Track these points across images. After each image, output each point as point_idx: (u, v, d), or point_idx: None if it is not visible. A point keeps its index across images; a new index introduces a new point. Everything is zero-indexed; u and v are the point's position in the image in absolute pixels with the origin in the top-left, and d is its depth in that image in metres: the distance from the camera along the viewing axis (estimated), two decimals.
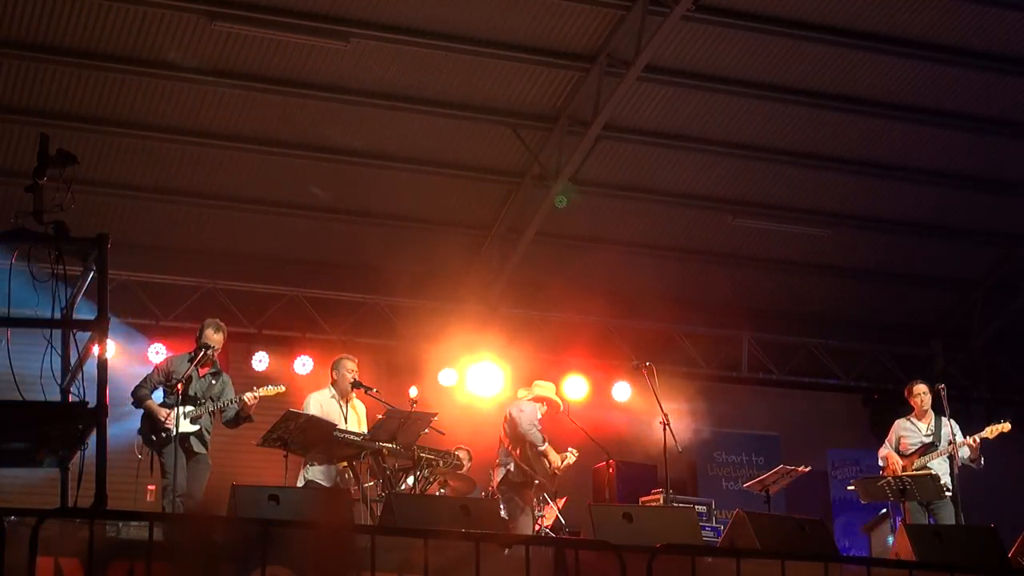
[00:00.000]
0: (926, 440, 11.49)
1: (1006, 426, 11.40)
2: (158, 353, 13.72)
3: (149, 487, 10.72)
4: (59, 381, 6.78)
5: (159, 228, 14.60)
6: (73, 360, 6.76)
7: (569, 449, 11.45)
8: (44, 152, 6.71)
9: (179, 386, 10.21)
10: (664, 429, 11.18)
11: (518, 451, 11.18)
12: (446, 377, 15.27)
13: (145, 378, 10.59)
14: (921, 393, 11.63)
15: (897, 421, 11.92)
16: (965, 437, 11.33)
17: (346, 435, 10.34)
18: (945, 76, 14.37)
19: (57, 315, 6.61)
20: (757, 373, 16.90)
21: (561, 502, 12.24)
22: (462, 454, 12.37)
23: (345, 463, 10.53)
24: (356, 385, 10.87)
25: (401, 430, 10.44)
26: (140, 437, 10.35)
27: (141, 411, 10.38)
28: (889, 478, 11.13)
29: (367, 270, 15.37)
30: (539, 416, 11.31)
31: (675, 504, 11.92)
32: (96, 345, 6.49)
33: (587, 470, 13.63)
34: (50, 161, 6.69)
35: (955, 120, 14.97)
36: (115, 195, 14.16)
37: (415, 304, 15.52)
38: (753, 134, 14.85)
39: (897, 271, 17.05)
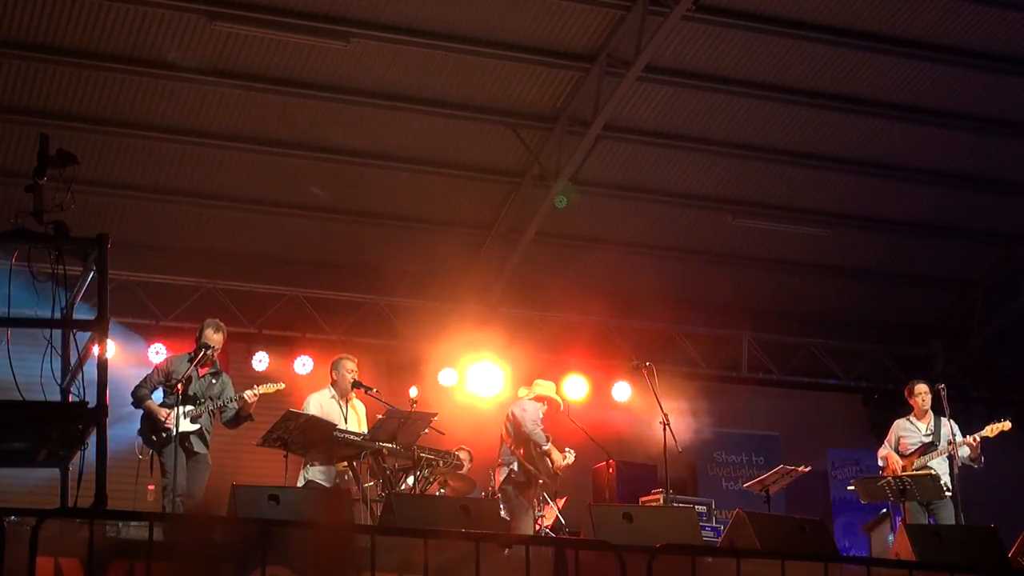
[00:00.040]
0: (926, 440, 11.49)
1: (1006, 425, 11.41)
2: (158, 353, 13.71)
3: (149, 487, 10.71)
4: (59, 381, 6.77)
5: (159, 228, 14.60)
6: (73, 360, 6.76)
7: (567, 449, 11.45)
8: (44, 152, 6.70)
9: (179, 386, 10.20)
10: (664, 429, 11.18)
11: (522, 451, 11.17)
12: (446, 377, 15.26)
13: (145, 378, 10.59)
14: (921, 393, 11.64)
15: (897, 421, 11.92)
16: (965, 436, 11.33)
17: (346, 435, 10.34)
18: (945, 76, 14.37)
19: (57, 315, 6.59)
20: (757, 373, 16.88)
21: (561, 502, 12.23)
22: (463, 454, 12.36)
23: (345, 463, 10.53)
24: (356, 385, 10.87)
25: (401, 430, 10.43)
26: (140, 438, 10.35)
27: (141, 411, 10.38)
28: (889, 478, 11.13)
29: (367, 270, 15.36)
30: (540, 415, 11.32)
31: (675, 504, 11.91)
32: (96, 345, 6.48)
33: (587, 470, 13.63)
34: (50, 161, 6.68)
35: (955, 120, 14.96)
36: (115, 195, 14.15)
37: (415, 304, 15.50)
38: (753, 134, 14.84)
39: (897, 271, 17.04)
